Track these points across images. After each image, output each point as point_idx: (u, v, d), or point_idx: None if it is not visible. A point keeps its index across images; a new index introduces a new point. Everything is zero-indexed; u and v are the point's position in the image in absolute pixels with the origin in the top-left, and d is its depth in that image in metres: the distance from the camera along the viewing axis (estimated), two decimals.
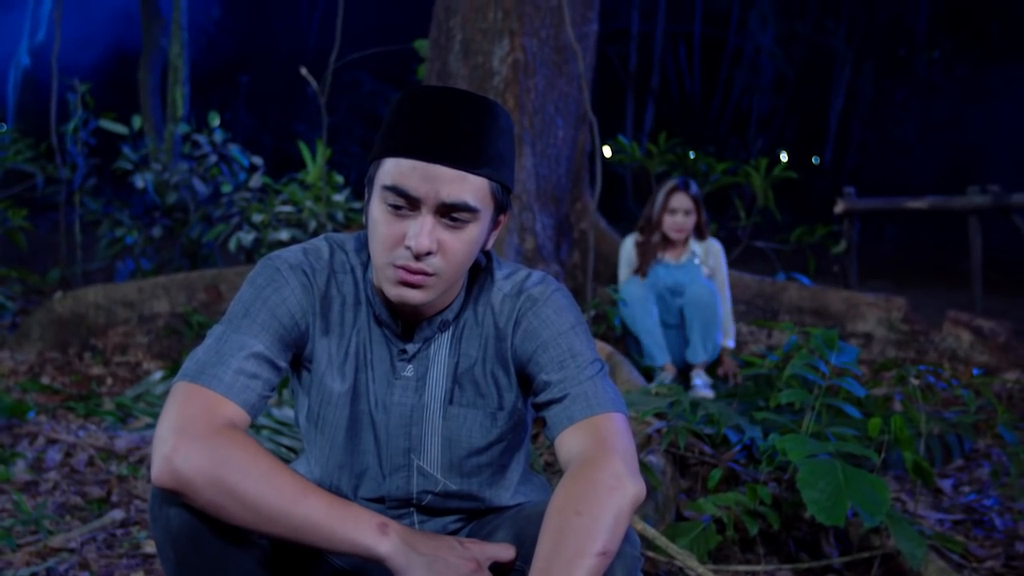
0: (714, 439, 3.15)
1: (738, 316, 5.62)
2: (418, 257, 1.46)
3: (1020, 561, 2.85)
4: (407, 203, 1.46)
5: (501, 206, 1.55)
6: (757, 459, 3.01)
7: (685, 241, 4.99)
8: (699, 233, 5.01)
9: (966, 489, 3.53)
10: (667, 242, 4.97)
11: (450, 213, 1.46)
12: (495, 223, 1.57)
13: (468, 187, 1.46)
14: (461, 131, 1.46)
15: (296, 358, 1.61)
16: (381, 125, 1.54)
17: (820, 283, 6.40)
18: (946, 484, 3.54)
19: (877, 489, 2.30)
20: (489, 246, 1.61)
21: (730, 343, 4.95)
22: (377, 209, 1.49)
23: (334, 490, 1.64)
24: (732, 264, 5.67)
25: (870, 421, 2.74)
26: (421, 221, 1.45)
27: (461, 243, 1.49)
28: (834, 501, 2.28)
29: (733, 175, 6.64)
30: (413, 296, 1.49)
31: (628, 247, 5.07)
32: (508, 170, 1.53)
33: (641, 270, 4.94)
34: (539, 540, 1.36)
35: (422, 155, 1.44)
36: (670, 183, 4.97)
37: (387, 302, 1.58)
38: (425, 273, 1.47)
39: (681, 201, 4.89)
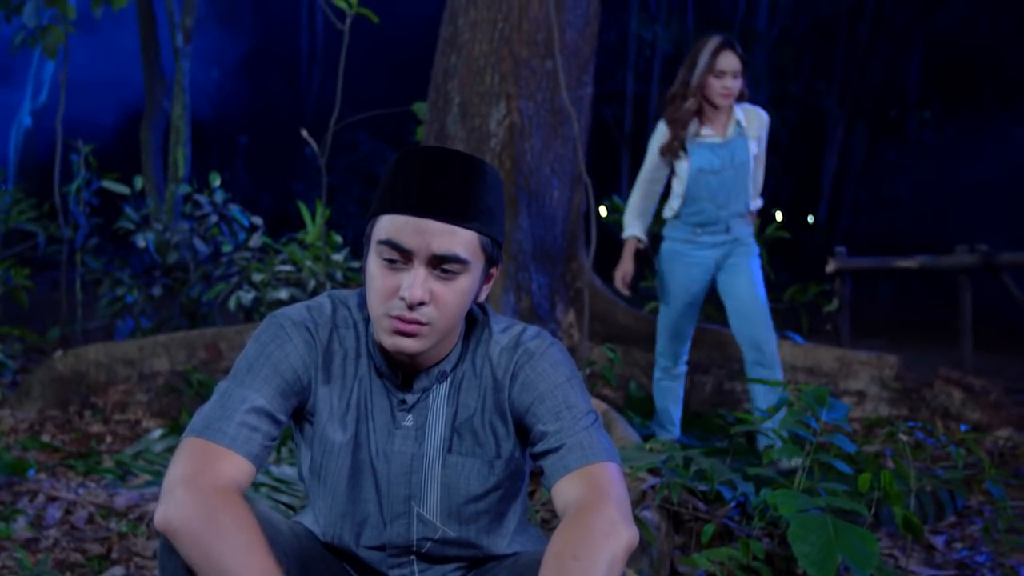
0: (708, 495, 3.19)
1: (732, 375, 5.66)
2: (412, 307, 1.53)
3: None
4: (401, 256, 1.53)
5: (492, 259, 1.63)
6: (750, 514, 3.04)
7: (729, 109, 4.35)
8: (740, 94, 4.33)
9: (958, 545, 3.56)
10: (709, 108, 4.33)
11: (441, 265, 1.54)
12: (487, 276, 1.65)
13: (458, 240, 1.54)
14: (450, 188, 1.54)
15: (299, 412, 1.67)
16: (378, 185, 1.63)
17: (813, 341, 6.44)
18: (938, 540, 3.56)
19: (867, 543, 2.34)
20: (482, 298, 1.67)
21: (758, 203, 4.55)
22: (374, 263, 1.57)
23: (337, 539, 1.68)
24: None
25: (860, 477, 2.78)
26: (414, 273, 1.53)
27: (453, 294, 1.56)
28: (825, 555, 2.32)
29: None
30: (408, 345, 1.56)
31: (662, 128, 4.41)
32: (497, 225, 1.61)
33: (677, 142, 4.31)
34: None
35: (414, 210, 1.52)
36: (713, 41, 4.29)
37: (386, 354, 1.64)
38: (419, 323, 1.54)
39: (730, 62, 4.24)
